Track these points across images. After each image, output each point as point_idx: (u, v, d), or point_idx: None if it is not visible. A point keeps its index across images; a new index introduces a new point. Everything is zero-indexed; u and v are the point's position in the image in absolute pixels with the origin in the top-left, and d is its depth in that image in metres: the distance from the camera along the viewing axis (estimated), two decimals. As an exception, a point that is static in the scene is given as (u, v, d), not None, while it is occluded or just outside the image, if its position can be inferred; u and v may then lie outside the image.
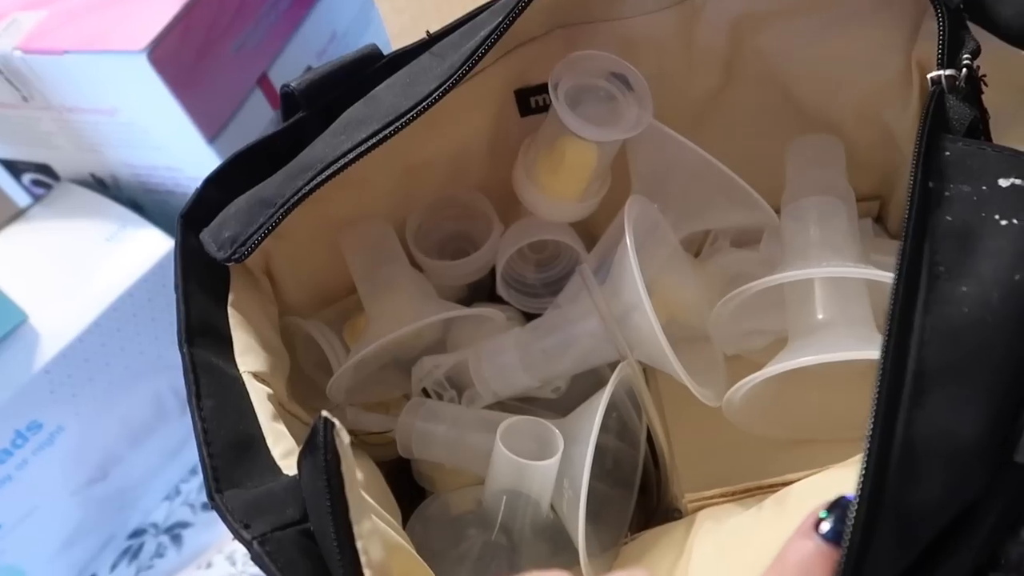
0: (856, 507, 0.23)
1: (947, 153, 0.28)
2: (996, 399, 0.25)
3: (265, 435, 0.31)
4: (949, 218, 0.27)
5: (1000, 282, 0.26)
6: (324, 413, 0.26)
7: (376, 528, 0.28)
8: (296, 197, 0.35)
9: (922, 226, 0.27)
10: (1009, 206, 0.27)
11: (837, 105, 0.42)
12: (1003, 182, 0.28)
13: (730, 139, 0.42)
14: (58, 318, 0.50)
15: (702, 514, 0.37)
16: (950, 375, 0.25)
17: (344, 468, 0.26)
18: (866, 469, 0.23)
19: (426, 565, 0.32)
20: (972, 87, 0.32)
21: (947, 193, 0.28)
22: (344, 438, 0.26)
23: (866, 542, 0.22)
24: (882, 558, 0.23)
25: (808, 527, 0.23)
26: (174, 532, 0.57)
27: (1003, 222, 0.27)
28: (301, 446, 0.28)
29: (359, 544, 0.25)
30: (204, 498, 0.45)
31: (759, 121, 0.44)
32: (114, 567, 0.55)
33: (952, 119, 0.30)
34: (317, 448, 0.26)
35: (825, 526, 0.23)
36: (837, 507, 0.23)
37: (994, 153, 0.28)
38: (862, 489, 0.23)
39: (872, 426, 0.24)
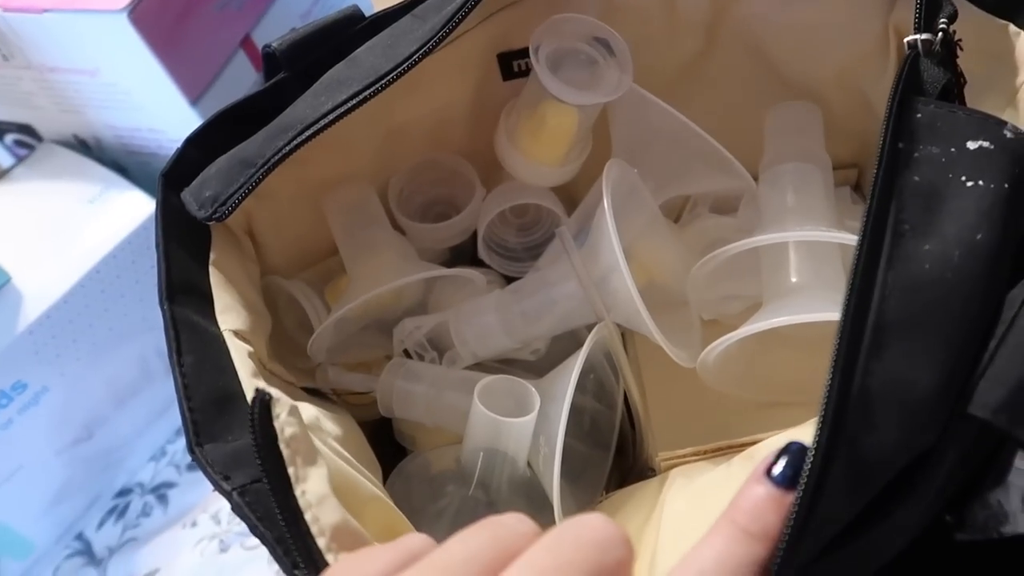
0: (813, 453, 0.23)
1: (918, 115, 0.29)
2: (953, 353, 0.25)
3: (245, 391, 0.32)
4: (916, 178, 0.28)
5: (962, 241, 0.26)
6: (259, 386, 0.27)
7: (336, 487, 0.28)
8: (277, 157, 0.35)
9: (889, 185, 0.27)
10: (975, 168, 0.28)
11: (816, 72, 0.42)
12: (971, 144, 0.28)
13: (710, 105, 0.42)
14: (41, 280, 0.50)
15: (674, 471, 0.37)
16: (909, 329, 0.25)
17: (282, 442, 0.27)
18: (823, 417, 0.24)
19: (404, 516, 0.33)
20: (947, 51, 0.32)
21: (916, 154, 0.28)
22: (281, 410, 0.27)
23: (820, 486, 0.23)
24: (835, 502, 0.23)
25: (760, 473, 0.23)
26: (160, 492, 0.57)
27: (969, 183, 0.27)
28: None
29: (308, 515, 0.26)
30: (190, 459, 0.45)
31: (739, 87, 0.44)
32: (101, 525, 0.56)
33: (926, 82, 0.31)
34: (253, 429, 0.27)
35: (776, 471, 0.23)
36: (787, 452, 0.23)
37: (964, 116, 0.29)
38: (819, 435, 0.23)
39: (831, 376, 0.24)
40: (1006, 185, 0.27)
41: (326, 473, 0.28)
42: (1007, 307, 0.26)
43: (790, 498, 0.23)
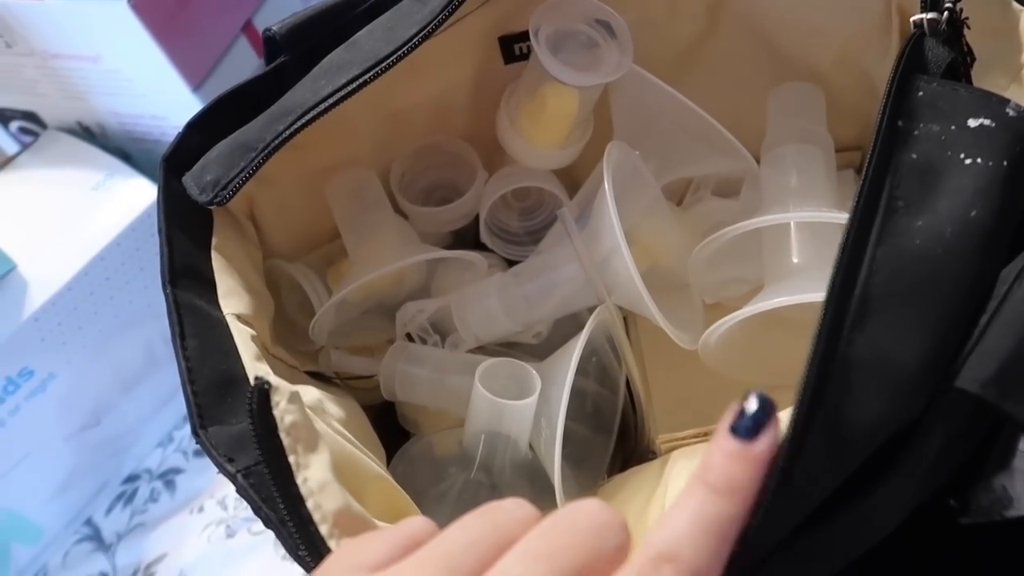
0: (794, 417, 0.24)
1: (920, 93, 0.29)
2: (941, 328, 0.26)
3: (248, 375, 0.32)
4: (914, 156, 0.28)
5: (955, 218, 0.26)
6: (260, 373, 0.27)
7: (339, 467, 0.29)
8: (277, 141, 0.35)
9: (885, 163, 0.27)
10: (975, 145, 0.28)
11: (818, 52, 0.42)
12: (972, 122, 0.28)
13: (712, 87, 0.42)
14: (46, 267, 0.50)
15: (675, 454, 0.37)
16: (895, 303, 0.25)
17: (282, 430, 0.27)
18: (805, 381, 0.24)
19: (406, 495, 0.33)
20: (954, 30, 0.32)
21: (916, 132, 0.28)
22: (280, 398, 0.27)
23: (799, 449, 0.23)
24: (815, 466, 0.24)
25: (724, 429, 0.23)
26: (167, 478, 0.58)
27: (967, 161, 0.27)
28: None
29: (310, 503, 0.27)
30: (196, 445, 0.46)
31: (741, 69, 0.44)
32: (109, 511, 0.56)
33: (930, 61, 0.31)
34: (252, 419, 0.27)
35: (738, 424, 0.22)
36: (747, 403, 0.23)
37: (967, 94, 0.29)
38: (800, 401, 0.24)
39: (815, 343, 0.25)
40: (1005, 163, 0.27)
41: (328, 458, 0.28)
42: (1000, 283, 0.26)
43: (755, 449, 0.22)
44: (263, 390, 0.27)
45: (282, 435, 0.27)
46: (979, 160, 0.27)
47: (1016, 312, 0.25)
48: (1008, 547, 0.41)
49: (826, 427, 0.24)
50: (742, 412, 0.23)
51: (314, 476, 0.27)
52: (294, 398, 0.28)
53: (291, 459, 0.27)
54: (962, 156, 0.27)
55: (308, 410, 0.30)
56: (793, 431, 0.23)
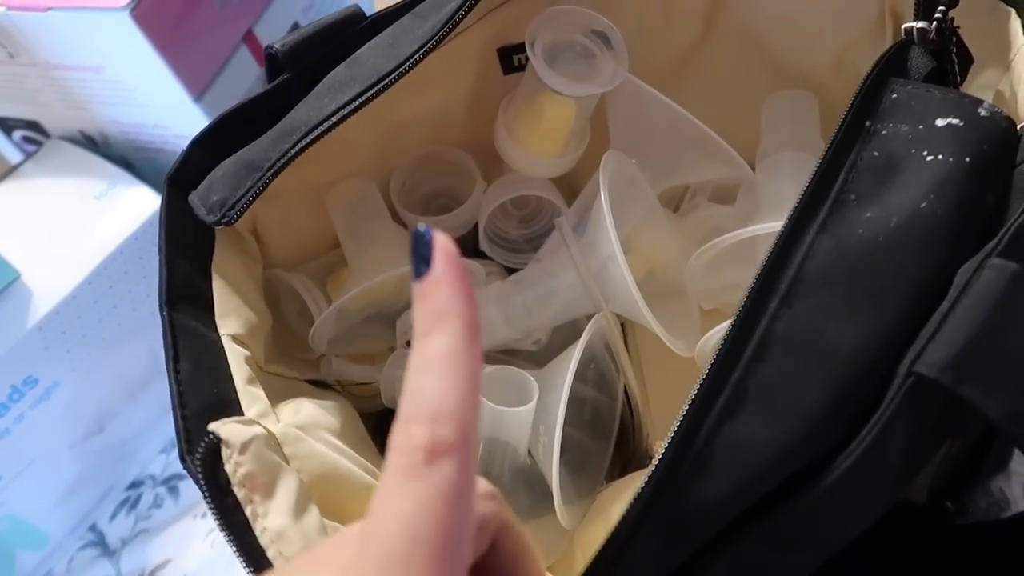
0: (706, 373, 0.25)
1: (894, 95, 0.30)
2: (884, 314, 0.26)
3: (240, 398, 0.32)
4: (876, 153, 0.28)
5: (903, 209, 0.27)
6: (210, 430, 0.27)
7: (324, 480, 0.29)
8: (282, 160, 0.35)
9: (841, 158, 0.28)
10: (939, 143, 0.28)
11: (813, 58, 0.42)
12: (940, 122, 0.29)
13: (708, 94, 0.42)
14: (50, 276, 0.50)
15: (673, 459, 0.38)
16: (829, 286, 0.26)
17: (236, 484, 0.27)
18: (722, 345, 0.25)
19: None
20: (943, 39, 0.33)
21: (884, 132, 0.29)
22: (232, 451, 0.27)
23: (709, 402, 0.25)
24: (736, 418, 0.25)
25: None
26: (171, 484, 0.58)
27: (928, 157, 0.28)
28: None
29: (270, 552, 0.27)
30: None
31: (737, 76, 0.44)
32: (113, 517, 0.57)
33: (912, 67, 0.31)
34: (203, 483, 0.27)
35: (413, 270, 0.21)
36: (411, 245, 0.21)
37: (940, 95, 0.29)
38: (714, 360, 0.25)
39: (735, 315, 0.26)
40: (967, 159, 0.28)
41: (291, 497, 0.28)
42: (961, 275, 0.27)
43: (435, 275, 0.21)
44: (213, 448, 0.27)
45: (236, 489, 0.27)
46: (940, 156, 0.28)
47: (974, 300, 0.26)
48: (1005, 550, 0.42)
49: (742, 388, 0.25)
50: (411, 257, 0.21)
51: (273, 524, 0.27)
52: (247, 446, 0.28)
53: (248, 511, 0.27)
54: (924, 153, 0.28)
55: (297, 429, 0.31)
56: (702, 383, 0.25)
